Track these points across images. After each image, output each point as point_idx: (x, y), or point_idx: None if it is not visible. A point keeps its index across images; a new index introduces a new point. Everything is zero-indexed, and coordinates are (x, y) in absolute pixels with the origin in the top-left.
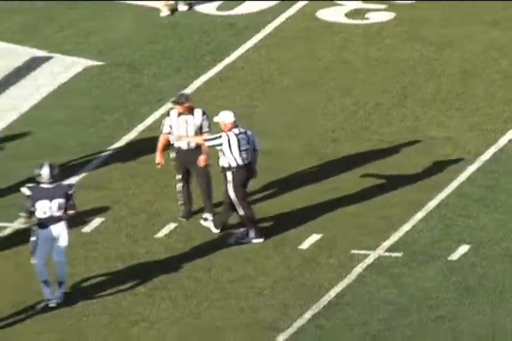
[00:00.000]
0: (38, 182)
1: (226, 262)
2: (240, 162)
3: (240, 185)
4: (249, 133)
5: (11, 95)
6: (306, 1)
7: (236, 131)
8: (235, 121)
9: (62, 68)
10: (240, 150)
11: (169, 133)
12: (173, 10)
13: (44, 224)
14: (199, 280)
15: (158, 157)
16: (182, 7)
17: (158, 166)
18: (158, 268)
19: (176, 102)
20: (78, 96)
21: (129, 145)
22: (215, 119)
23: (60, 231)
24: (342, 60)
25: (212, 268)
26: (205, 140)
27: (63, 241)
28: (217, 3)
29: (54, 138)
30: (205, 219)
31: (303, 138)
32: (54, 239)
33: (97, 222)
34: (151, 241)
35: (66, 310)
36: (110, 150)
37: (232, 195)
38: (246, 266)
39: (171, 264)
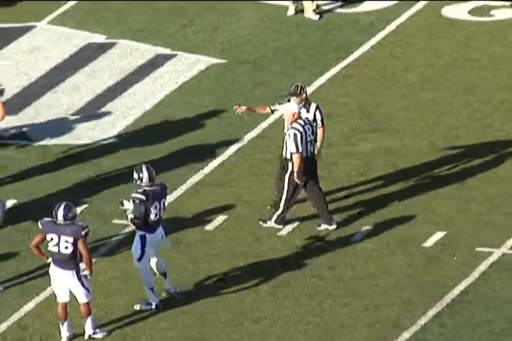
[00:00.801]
0: (139, 186)
1: (349, 260)
2: (304, 154)
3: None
4: (313, 123)
5: (135, 93)
6: None
7: (301, 121)
8: (299, 112)
9: (186, 66)
10: (306, 142)
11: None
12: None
13: (153, 227)
14: (322, 278)
15: (245, 107)
16: (313, 16)
17: (238, 109)
18: (281, 265)
19: (292, 94)
20: (201, 94)
21: (252, 143)
22: (279, 109)
23: (162, 232)
24: (465, 56)
25: (336, 266)
26: (296, 152)
27: (167, 243)
28: (340, 1)
29: (177, 136)
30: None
31: (426, 135)
32: (158, 243)
33: (220, 219)
34: (274, 238)
35: (189, 308)
36: (233, 147)
37: (286, 183)
38: (369, 264)
39: (293, 262)
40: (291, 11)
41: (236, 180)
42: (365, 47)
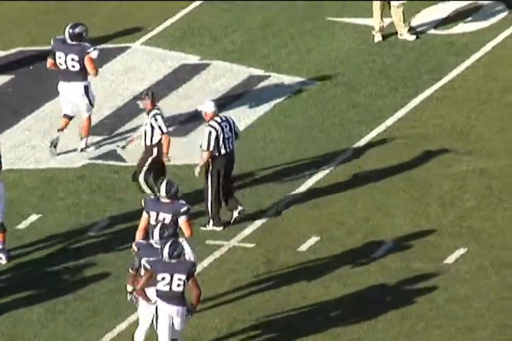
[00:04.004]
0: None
1: (442, 282)
2: (223, 151)
3: (217, 174)
4: (230, 120)
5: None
6: None
7: (218, 119)
8: (215, 111)
9: (279, 87)
10: (224, 139)
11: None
12: (385, 36)
13: None
14: (415, 300)
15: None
16: (409, 37)
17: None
18: (374, 287)
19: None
20: (294, 115)
21: (345, 164)
22: (198, 108)
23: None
24: None
25: (429, 289)
26: (207, 150)
27: None
28: (435, 22)
29: (269, 157)
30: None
31: None
32: None
33: (312, 240)
34: (367, 260)
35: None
36: (327, 168)
37: (212, 183)
38: (463, 286)
39: (387, 284)
40: (377, 38)
41: (329, 200)
42: (460, 68)
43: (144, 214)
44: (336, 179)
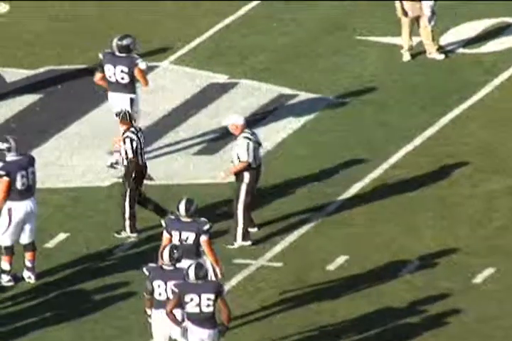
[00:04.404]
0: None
1: (471, 302)
2: (256, 163)
3: (251, 188)
4: (256, 133)
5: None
6: None
7: (249, 131)
8: (245, 124)
9: (307, 105)
10: (255, 151)
11: None
12: (414, 55)
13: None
14: (444, 320)
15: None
16: (438, 56)
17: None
18: (403, 306)
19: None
20: (324, 133)
21: (373, 183)
22: (224, 123)
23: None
24: None
25: (458, 308)
26: (246, 160)
27: None
28: (464, 41)
29: (298, 175)
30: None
31: None
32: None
33: (341, 259)
34: (396, 279)
35: None
36: (355, 187)
37: (245, 197)
38: (492, 305)
39: (414, 303)
40: (406, 57)
41: (357, 219)
42: (488, 87)
43: (166, 235)
44: (363, 198)
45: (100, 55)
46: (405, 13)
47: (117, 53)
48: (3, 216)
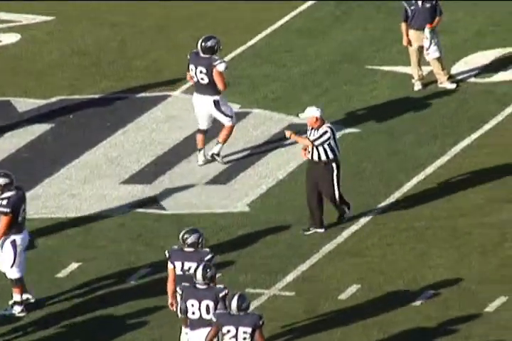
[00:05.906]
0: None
1: (483, 331)
2: (337, 154)
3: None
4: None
5: (268, 162)
6: None
7: (329, 124)
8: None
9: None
10: (335, 143)
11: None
12: (425, 84)
13: None
14: None
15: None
16: (449, 85)
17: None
18: (417, 335)
19: None
20: None
21: (385, 211)
22: (302, 117)
23: None
24: None
25: (471, 337)
26: (313, 140)
27: None
28: (476, 71)
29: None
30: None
31: None
32: None
33: (353, 289)
34: (409, 308)
35: None
36: (367, 216)
37: (336, 188)
38: (504, 333)
39: (429, 332)
40: (417, 86)
41: (369, 249)
42: (500, 116)
43: (170, 266)
44: (375, 227)
45: (188, 55)
46: (409, 43)
47: (201, 54)
48: (6, 250)
